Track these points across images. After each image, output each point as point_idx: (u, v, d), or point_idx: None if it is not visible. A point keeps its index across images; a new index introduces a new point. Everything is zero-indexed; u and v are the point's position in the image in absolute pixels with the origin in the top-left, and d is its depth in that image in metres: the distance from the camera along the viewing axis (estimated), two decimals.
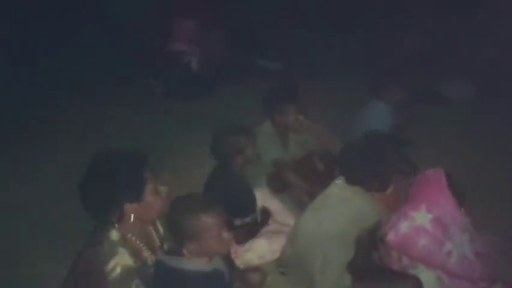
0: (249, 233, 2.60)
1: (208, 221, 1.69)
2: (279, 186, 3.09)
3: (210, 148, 2.58)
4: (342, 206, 2.21)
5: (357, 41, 5.95)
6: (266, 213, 2.79)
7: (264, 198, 2.91)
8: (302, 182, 3.03)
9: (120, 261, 1.61)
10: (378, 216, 2.20)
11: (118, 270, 1.59)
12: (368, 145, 2.34)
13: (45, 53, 5.60)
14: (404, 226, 2.30)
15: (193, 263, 1.73)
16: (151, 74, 5.23)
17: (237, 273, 2.21)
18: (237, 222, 2.54)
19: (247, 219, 2.61)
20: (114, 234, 1.65)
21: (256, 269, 2.43)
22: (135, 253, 1.69)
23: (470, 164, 3.50)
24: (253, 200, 2.70)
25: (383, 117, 3.33)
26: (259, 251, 2.60)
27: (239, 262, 2.50)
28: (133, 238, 1.72)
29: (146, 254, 1.76)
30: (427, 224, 2.25)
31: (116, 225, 1.66)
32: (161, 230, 1.93)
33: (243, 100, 4.66)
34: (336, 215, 2.19)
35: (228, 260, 2.15)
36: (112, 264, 1.59)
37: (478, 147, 3.87)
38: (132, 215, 1.69)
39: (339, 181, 2.29)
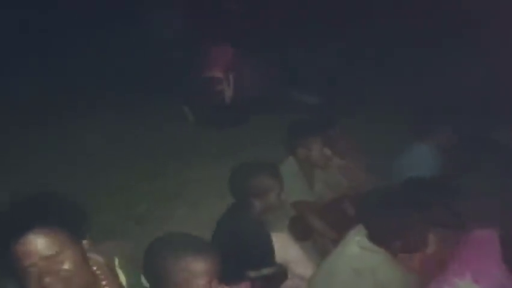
0: None
1: (197, 268, 1.37)
2: (302, 232, 2.71)
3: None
4: (361, 279, 1.80)
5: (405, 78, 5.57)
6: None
7: (282, 246, 2.51)
8: (328, 229, 2.65)
9: None
10: None
11: None
12: (395, 192, 1.97)
13: None
14: None
15: None
16: (183, 101, 5.06)
17: None
18: (252, 274, 2.18)
19: (264, 272, 2.24)
20: None
21: None
22: None
23: None
24: (271, 251, 2.33)
25: (428, 161, 2.93)
26: None
27: None
28: None
29: None
30: None
31: None
32: None
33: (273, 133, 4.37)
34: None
35: None
36: None
37: None
38: None
39: (360, 237, 1.90)
